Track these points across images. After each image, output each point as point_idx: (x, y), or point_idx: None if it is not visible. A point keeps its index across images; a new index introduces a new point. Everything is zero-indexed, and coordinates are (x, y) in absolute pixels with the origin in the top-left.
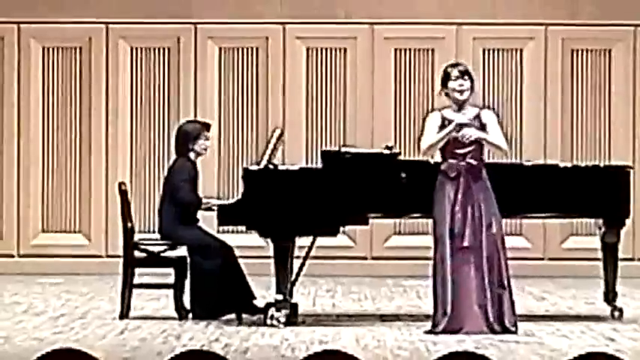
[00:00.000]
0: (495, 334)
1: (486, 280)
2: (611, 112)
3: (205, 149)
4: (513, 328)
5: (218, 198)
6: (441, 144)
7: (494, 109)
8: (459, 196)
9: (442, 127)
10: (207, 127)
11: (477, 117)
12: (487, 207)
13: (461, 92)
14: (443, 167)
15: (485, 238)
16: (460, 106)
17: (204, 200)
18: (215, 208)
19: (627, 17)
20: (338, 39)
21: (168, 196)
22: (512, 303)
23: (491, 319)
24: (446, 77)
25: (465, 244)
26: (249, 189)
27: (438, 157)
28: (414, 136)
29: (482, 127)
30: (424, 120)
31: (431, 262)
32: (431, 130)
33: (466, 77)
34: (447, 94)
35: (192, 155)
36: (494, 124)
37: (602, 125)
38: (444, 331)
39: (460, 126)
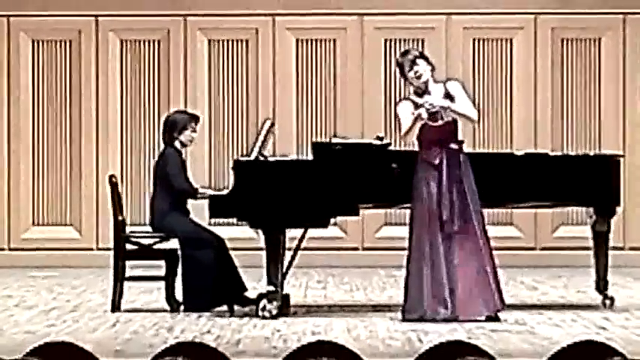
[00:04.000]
0: (488, 318)
1: (477, 263)
2: (601, 100)
3: (191, 141)
4: (499, 311)
5: (214, 189)
6: (416, 127)
7: (458, 79)
8: (444, 183)
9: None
10: (195, 118)
11: (447, 93)
12: (470, 189)
13: (419, 78)
14: (424, 155)
15: (472, 221)
16: (425, 88)
17: (200, 190)
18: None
19: (617, 6)
20: (328, 30)
21: (161, 186)
22: (499, 285)
23: (496, 298)
24: (401, 69)
25: (455, 228)
26: (240, 181)
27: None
28: None
29: (451, 100)
30: (396, 110)
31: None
32: (405, 118)
33: (417, 61)
34: (410, 83)
35: (177, 145)
36: (462, 94)
37: (592, 114)
38: (446, 320)
39: (432, 105)
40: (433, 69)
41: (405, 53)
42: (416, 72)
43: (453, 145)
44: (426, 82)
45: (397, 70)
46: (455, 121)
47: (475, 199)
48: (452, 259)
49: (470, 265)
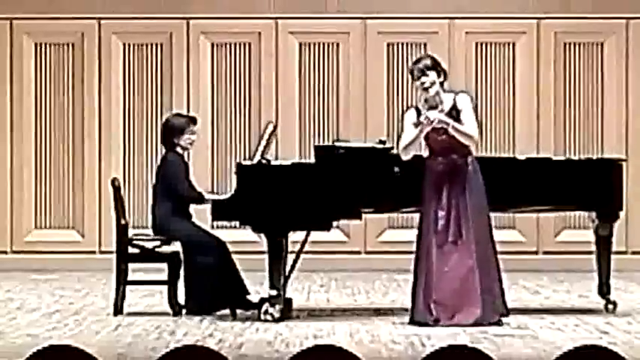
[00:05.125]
0: (486, 326)
1: (476, 274)
2: (604, 105)
3: (191, 143)
4: (502, 319)
5: (218, 194)
6: (417, 143)
7: (468, 92)
8: (444, 193)
9: (418, 121)
10: (193, 120)
11: (454, 106)
12: (476, 202)
13: (426, 90)
14: (428, 162)
15: (473, 232)
16: (433, 100)
17: (206, 196)
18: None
19: (619, 10)
20: (331, 34)
21: (163, 190)
22: (503, 292)
23: (480, 311)
24: (411, 76)
25: (450, 239)
26: (243, 184)
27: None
28: None
29: (458, 114)
30: (402, 118)
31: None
32: (407, 128)
33: (427, 72)
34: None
35: (179, 149)
36: (468, 111)
37: (594, 118)
38: (427, 325)
39: (428, 119)
40: (445, 78)
41: (417, 61)
42: (422, 83)
43: (458, 158)
44: (433, 96)
45: (410, 76)
46: None
47: (479, 211)
48: (443, 267)
49: (460, 275)
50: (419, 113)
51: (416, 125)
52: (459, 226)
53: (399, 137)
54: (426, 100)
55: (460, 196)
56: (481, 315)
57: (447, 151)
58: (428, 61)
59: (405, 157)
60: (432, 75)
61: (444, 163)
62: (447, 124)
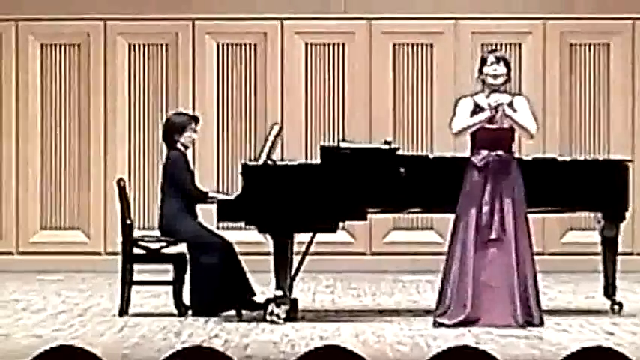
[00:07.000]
0: (521, 328)
1: (515, 273)
2: (610, 106)
3: (192, 142)
4: (538, 322)
5: (224, 193)
6: (474, 129)
7: (526, 96)
8: (488, 188)
9: (474, 112)
10: (195, 119)
11: (510, 104)
12: (517, 200)
13: (494, 77)
14: (472, 158)
15: (514, 231)
16: (494, 92)
17: (210, 194)
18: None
19: (625, 11)
20: (336, 34)
21: (170, 188)
22: (538, 295)
23: (519, 312)
24: (482, 63)
25: (493, 236)
26: (248, 185)
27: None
28: (413, 130)
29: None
30: (455, 104)
31: (436, 257)
32: (462, 114)
33: (502, 63)
34: (482, 81)
35: (180, 147)
36: (526, 110)
37: (600, 119)
38: (462, 323)
39: (496, 107)
40: (508, 80)
41: (493, 51)
42: (495, 70)
43: (503, 153)
44: (498, 86)
45: (479, 63)
46: (512, 130)
47: (521, 208)
48: (483, 266)
49: (498, 275)
50: (475, 104)
51: (473, 112)
52: (502, 223)
53: (450, 122)
54: (489, 88)
55: (504, 192)
56: (519, 316)
57: (493, 143)
58: (505, 55)
59: (457, 138)
60: (504, 68)
61: (487, 155)
62: (508, 115)
